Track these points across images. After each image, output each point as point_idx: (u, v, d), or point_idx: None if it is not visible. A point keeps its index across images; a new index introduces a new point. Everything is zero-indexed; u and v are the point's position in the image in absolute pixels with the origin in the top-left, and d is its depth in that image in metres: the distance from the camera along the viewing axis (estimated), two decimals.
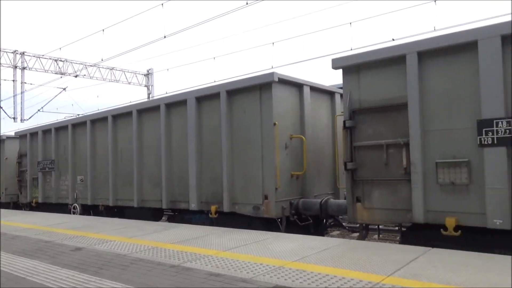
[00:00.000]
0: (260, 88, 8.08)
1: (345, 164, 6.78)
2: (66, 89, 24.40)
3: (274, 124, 7.79)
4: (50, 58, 22.35)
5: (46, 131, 13.97)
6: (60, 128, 13.37)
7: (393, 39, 11.71)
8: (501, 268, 4.10)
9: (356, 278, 3.94)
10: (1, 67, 21.08)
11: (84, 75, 23.59)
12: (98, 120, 11.92)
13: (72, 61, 23.13)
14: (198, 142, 9.07)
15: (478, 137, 5.55)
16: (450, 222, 5.69)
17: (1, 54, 20.96)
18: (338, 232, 10.44)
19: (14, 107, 22.15)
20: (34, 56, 22.01)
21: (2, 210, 13.24)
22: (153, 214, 10.55)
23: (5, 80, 21.64)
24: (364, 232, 7.04)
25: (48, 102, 25.32)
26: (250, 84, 8.16)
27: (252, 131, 8.18)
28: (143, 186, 10.47)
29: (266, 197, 7.88)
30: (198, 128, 9.08)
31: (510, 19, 5.50)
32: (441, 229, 5.77)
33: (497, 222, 5.38)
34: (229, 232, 6.89)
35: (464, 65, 5.77)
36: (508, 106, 5.34)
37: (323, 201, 7.88)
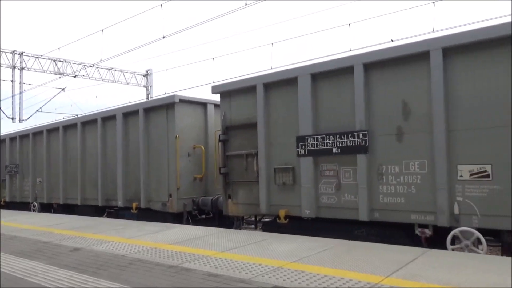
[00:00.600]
0: (166, 107, 9.98)
1: (219, 169, 8.76)
2: (65, 89, 24.36)
3: (176, 137, 9.70)
4: (48, 58, 22.32)
5: (12, 138, 15.83)
6: (23, 136, 15.25)
7: (392, 40, 11.72)
8: (499, 268, 4.11)
9: (354, 279, 3.94)
10: (1, 67, 21.06)
11: (83, 75, 23.57)
12: (52, 130, 13.81)
13: (71, 62, 23.11)
14: (124, 151, 11.02)
15: (296, 149, 7.37)
16: (282, 213, 7.58)
17: (0, 54, 20.94)
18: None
19: (12, 107, 22.12)
20: (32, 56, 21.98)
21: (1, 211, 13.24)
22: (95, 210, 12.18)
23: (3, 80, 21.61)
24: (238, 223, 9.01)
25: (47, 102, 25.23)
26: (159, 104, 10.15)
27: (162, 142, 10.10)
28: (85, 187, 12.38)
29: (170, 196, 9.84)
30: (124, 139, 11.06)
31: (509, 19, 5.54)
32: (277, 219, 7.65)
33: (307, 211, 7.23)
34: (227, 233, 6.89)
35: (291, 96, 7.51)
36: (314, 127, 7.22)
37: (213, 198, 9.77)
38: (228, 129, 8.63)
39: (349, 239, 6.45)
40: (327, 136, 7.06)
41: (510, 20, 5.52)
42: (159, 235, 6.91)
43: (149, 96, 26.63)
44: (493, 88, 5.61)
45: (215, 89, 8.89)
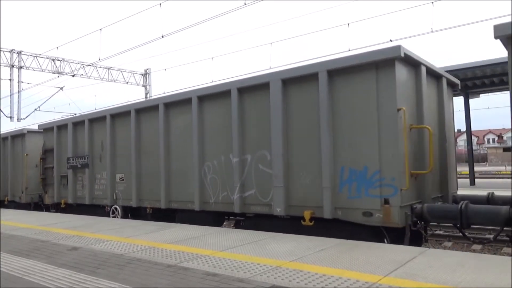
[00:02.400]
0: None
1: (40, 175, 14.61)
2: (63, 88, 24.35)
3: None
4: (47, 57, 22.29)
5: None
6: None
7: (391, 40, 11.75)
8: (497, 268, 4.12)
9: (353, 278, 3.95)
10: (0, 66, 21.01)
11: (82, 74, 23.53)
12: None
13: (69, 61, 23.07)
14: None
15: (67, 164, 12.78)
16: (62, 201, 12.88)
17: (0, 54, 20.89)
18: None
19: (11, 106, 22.07)
20: (31, 55, 21.94)
21: (0, 210, 13.22)
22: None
23: (2, 79, 21.56)
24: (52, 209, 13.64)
25: (45, 101, 25.19)
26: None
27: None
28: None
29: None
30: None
31: (510, 20, 5.55)
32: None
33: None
34: (226, 232, 6.89)
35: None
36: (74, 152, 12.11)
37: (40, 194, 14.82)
38: (45, 151, 13.64)
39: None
40: (74, 158, 12.20)
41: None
42: (157, 235, 6.90)
43: (148, 95, 26.59)
44: None
45: (40, 127, 13.86)
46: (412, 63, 6.75)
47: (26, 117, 23.47)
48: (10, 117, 22.12)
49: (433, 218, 6.29)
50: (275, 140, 7.32)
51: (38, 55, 22.03)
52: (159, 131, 9.49)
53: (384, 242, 6.17)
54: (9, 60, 21.37)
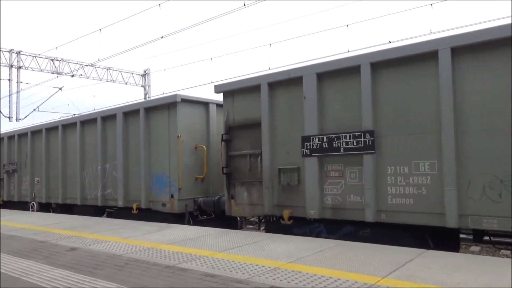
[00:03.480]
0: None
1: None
2: (62, 88, 24.31)
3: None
4: (46, 58, 22.26)
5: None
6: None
7: (390, 42, 11.75)
8: (495, 269, 4.12)
9: (351, 279, 3.95)
10: (0, 67, 20.99)
11: (81, 74, 23.51)
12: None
13: (68, 61, 23.04)
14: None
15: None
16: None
17: (0, 54, 20.87)
18: None
19: (9, 106, 22.03)
20: (30, 55, 21.91)
21: (0, 211, 13.24)
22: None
23: (1, 79, 21.53)
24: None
25: (44, 101, 25.16)
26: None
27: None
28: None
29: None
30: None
31: (510, 21, 5.56)
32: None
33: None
34: (225, 233, 6.89)
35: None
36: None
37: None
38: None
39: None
40: (7, 164, 11.89)
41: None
42: (156, 235, 6.90)
43: (147, 96, 26.58)
44: None
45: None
46: (199, 102, 10.01)
47: (25, 117, 23.42)
48: (9, 117, 22.07)
49: (206, 208, 9.58)
50: (119, 154, 10.72)
51: (37, 55, 22.01)
52: (58, 146, 12.87)
53: (179, 224, 8.73)
54: (8, 60, 21.34)
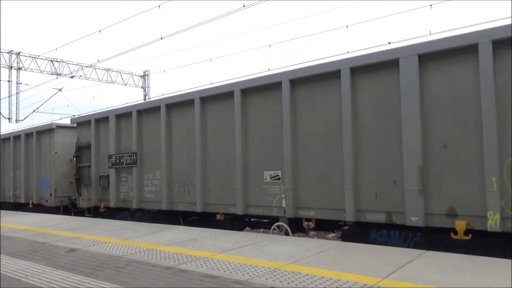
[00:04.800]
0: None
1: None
2: (62, 90, 24.28)
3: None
4: (46, 59, 22.25)
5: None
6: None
7: (389, 43, 11.76)
8: (494, 270, 4.13)
9: (351, 280, 3.95)
10: (0, 68, 20.97)
11: (80, 76, 23.50)
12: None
13: (68, 62, 23.04)
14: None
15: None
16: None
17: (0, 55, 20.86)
18: None
19: (9, 107, 22.01)
20: (29, 57, 21.90)
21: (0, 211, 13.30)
22: None
23: (1, 80, 21.52)
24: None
25: (44, 102, 25.13)
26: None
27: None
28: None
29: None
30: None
31: (509, 21, 5.61)
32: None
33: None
34: (224, 234, 6.89)
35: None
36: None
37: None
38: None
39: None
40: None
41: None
42: (156, 236, 6.89)
43: (147, 97, 26.58)
44: None
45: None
46: (71, 127, 13.64)
47: (24, 119, 23.38)
48: (9, 119, 22.06)
49: (74, 202, 13.43)
50: (21, 165, 14.91)
51: (37, 56, 22.00)
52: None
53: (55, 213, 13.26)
54: (7, 61, 21.34)
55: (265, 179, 7.81)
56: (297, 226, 7.63)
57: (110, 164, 11.08)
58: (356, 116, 6.65)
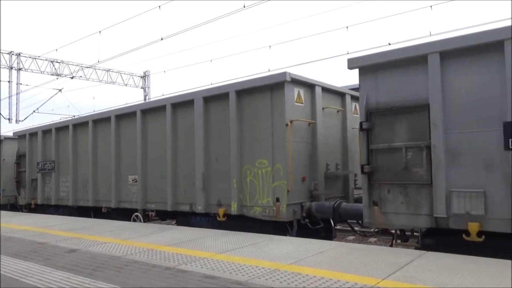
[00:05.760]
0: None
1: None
2: (62, 90, 24.30)
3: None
4: (46, 59, 22.26)
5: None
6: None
7: (389, 43, 11.77)
8: (494, 271, 4.12)
9: (351, 281, 3.95)
10: (0, 68, 20.98)
11: (80, 76, 23.52)
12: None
13: (68, 63, 23.06)
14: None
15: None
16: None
17: (0, 55, 20.86)
18: None
19: (9, 108, 22.02)
20: (30, 57, 21.92)
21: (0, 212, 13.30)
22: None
23: (1, 81, 21.53)
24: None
25: (44, 103, 25.16)
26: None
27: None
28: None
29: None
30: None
31: (510, 23, 5.58)
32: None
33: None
34: (224, 235, 6.88)
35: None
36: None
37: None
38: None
39: None
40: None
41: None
42: (155, 237, 6.89)
43: (147, 97, 26.59)
44: None
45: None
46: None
47: (24, 119, 23.42)
48: (9, 119, 22.07)
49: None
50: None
51: (37, 57, 22.02)
52: None
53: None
54: (8, 62, 21.36)
55: (129, 181, 10.71)
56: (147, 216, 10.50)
57: (38, 170, 13.96)
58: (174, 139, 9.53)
